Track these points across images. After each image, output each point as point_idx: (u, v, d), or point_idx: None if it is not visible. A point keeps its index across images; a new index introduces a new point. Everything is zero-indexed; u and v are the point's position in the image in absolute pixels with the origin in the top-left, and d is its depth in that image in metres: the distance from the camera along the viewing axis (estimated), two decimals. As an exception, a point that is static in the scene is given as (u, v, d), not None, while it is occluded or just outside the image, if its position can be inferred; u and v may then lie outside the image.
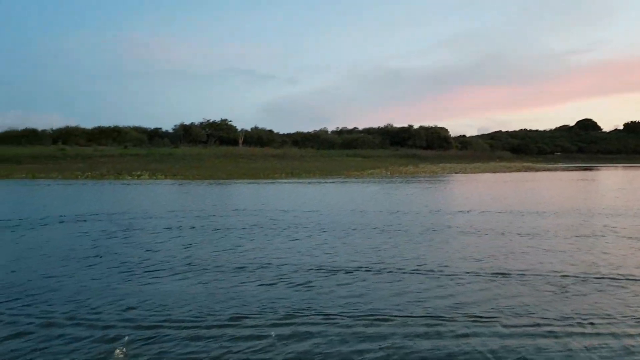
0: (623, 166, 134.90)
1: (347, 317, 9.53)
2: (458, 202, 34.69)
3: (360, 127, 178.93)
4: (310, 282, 12.23)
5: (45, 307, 10.22)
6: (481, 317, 9.60)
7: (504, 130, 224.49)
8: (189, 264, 14.39)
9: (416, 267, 13.70)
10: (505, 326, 9.11)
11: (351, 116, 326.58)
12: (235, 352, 7.93)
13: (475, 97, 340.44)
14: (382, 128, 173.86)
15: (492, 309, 10.08)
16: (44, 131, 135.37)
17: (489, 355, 7.82)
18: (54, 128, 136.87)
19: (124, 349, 7.93)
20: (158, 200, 38.18)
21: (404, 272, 13.17)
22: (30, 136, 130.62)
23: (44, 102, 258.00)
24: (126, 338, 8.39)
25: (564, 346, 8.18)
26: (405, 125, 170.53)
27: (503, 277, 12.71)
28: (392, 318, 9.51)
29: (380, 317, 9.59)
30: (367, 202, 34.92)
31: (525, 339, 8.46)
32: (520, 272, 13.06)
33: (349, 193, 44.93)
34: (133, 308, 10.16)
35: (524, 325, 9.18)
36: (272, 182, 63.73)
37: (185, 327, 9.00)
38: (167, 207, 30.81)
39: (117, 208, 30.34)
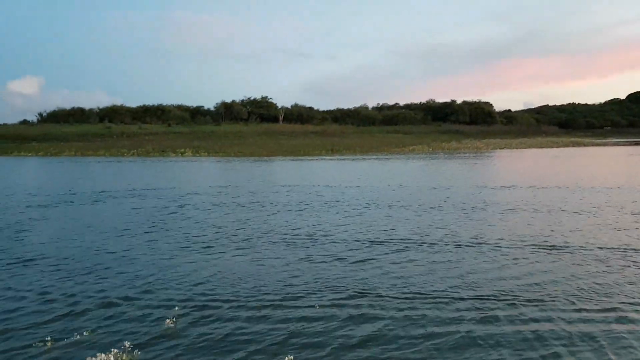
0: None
1: (405, 297, 9.24)
2: (507, 177, 33.68)
3: (402, 103, 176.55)
4: (366, 260, 11.98)
5: (102, 284, 10.32)
6: (553, 297, 9.17)
7: (550, 104, 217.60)
8: (244, 240, 14.36)
9: (475, 242, 13.27)
10: (577, 310, 8.66)
11: (392, 92, 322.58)
12: (291, 332, 7.76)
13: (520, 70, 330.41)
14: (423, 104, 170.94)
15: (558, 289, 9.62)
16: (90, 110, 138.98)
17: (564, 338, 7.42)
18: (100, 107, 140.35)
19: (175, 323, 7.89)
20: (205, 177, 38.59)
21: (460, 246, 12.77)
22: (77, 115, 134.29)
23: (91, 81, 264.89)
24: (176, 309, 8.34)
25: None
26: (448, 100, 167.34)
27: (559, 252, 12.17)
28: (458, 300, 9.18)
29: (444, 298, 9.27)
30: (412, 178, 34.34)
31: (598, 323, 8.01)
32: (580, 247, 12.47)
33: (393, 170, 44.34)
34: (190, 283, 10.16)
35: (598, 309, 8.71)
36: (313, 159, 63.60)
37: (240, 306, 8.90)
38: (214, 184, 31.08)
39: (166, 184, 30.79)
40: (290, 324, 8.07)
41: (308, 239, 14.43)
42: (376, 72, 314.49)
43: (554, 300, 9.02)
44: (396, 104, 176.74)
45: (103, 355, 6.46)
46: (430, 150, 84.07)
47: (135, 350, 6.76)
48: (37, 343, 7.33)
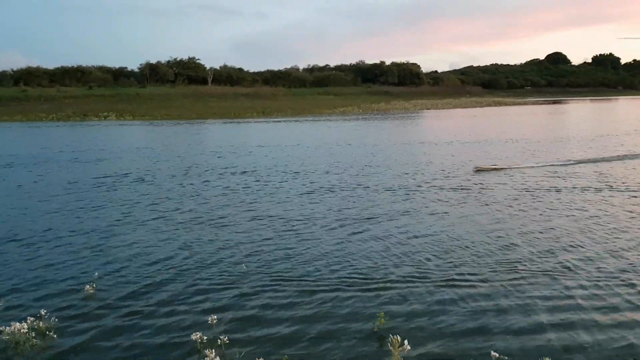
0: (591, 99, 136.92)
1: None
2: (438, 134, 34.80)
3: (332, 65, 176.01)
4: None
5: (18, 253, 9.99)
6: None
7: (475, 65, 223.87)
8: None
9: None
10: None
11: (322, 53, 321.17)
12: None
13: (447, 31, 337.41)
14: (353, 65, 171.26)
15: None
16: (4, 72, 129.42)
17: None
18: (15, 69, 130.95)
19: (94, 289, 7.84)
20: (130, 141, 37.36)
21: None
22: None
23: (3, 40, 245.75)
24: (95, 275, 8.26)
25: None
26: (377, 61, 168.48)
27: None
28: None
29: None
30: (356, 138, 34.78)
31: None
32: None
33: (322, 131, 44.66)
34: (107, 252, 10.04)
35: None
36: (243, 122, 62.86)
37: (157, 273, 8.92)
38: (140, 148, 30.17)
39: (86, 149, 29.58)
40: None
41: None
42: (306, 31, 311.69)
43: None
44: (327, 65, 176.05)
45: (18, 324, 6.32)
46: (360, 111, 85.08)
47: (53, 319, 6.66)
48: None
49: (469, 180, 17.39)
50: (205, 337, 6.16)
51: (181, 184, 17.76)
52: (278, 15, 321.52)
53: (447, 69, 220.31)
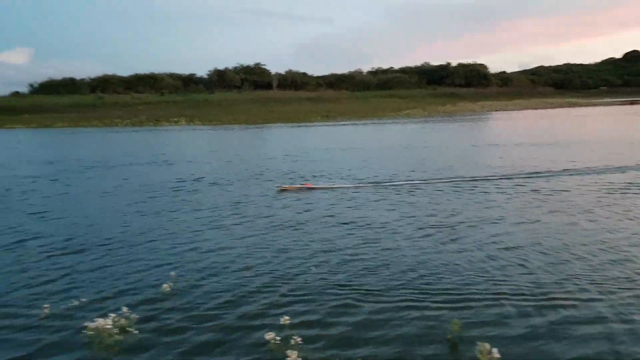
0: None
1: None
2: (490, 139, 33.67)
3: (396, 67, 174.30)
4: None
5: (101, 252, 10.38)
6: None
7: (546, 65, 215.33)
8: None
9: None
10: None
11: (387, 56, 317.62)
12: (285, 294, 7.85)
13: (516, 31, 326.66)
14: (418, 67, 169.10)
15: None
16: (82, 80, 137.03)
17: None
18: (92, 77, 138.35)
19: (172, 288, 7.97)
20: (201, 146, 38.42)
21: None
22: (68, 85, 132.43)
23: (81, 50, 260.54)
24: (172, 274, 8.41)
25: None
26: (443, 63, 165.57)
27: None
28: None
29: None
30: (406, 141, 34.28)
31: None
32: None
33: (385, 134, 44.27)
34: (185, 250, 10.27)
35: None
36: (308, 126, 63.33)
37: (234, 272, 8.99)
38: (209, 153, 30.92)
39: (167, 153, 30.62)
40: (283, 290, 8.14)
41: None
42: (371, 34, 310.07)
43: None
44: (391, 67, 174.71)
45: (101, 320, 6.51)
46: (425, 114, 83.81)
47: (133, 315, 6.82)
48: (35, 310, 7.38)
49: (559, 183, 16.64)
50: (278, 338, 6.11)
51: (254, 188, 17.90)
52: (343, 20, 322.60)
53: (516, 69, 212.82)
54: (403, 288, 7.95)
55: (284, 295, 7.83)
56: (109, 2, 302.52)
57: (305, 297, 7.72)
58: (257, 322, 6.91)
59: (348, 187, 17.21)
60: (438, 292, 7.75)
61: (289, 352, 5.69)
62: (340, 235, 11.10)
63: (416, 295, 7.64)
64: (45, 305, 7.36)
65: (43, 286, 8.44)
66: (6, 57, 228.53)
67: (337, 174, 20.38)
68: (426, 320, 6.82)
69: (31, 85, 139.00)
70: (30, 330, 6.87)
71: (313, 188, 17.09)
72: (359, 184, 17.86)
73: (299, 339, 6.02)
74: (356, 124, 63.69)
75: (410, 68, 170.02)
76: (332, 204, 14.50)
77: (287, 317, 6.68)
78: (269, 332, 6.17)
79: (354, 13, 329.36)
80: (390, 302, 7.43)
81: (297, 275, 8.68)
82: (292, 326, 6.60)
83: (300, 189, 17.02)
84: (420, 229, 11.48)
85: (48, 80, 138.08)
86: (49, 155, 33.37)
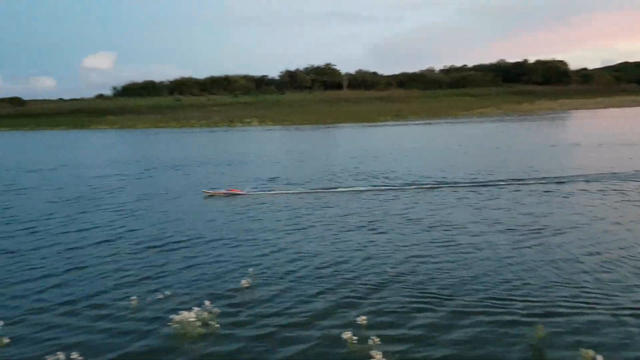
0: None
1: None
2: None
3: (470, 65, 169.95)
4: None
5: (183, 248, 10.87)
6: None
7: (631, 61, 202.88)
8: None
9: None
10: None
11: (460, 53, 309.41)
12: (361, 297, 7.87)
13: (598, 26, 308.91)
14: (493, 64, 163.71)
15: None
16: (161, 83, 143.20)
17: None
18: (170, 80, 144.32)
19: (250, 284, 8.19)
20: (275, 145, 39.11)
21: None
22: (149, 88, 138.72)
23: (160, 54, 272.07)
24: (250, 270, 8.63)
25: None
26: (520, 60, 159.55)
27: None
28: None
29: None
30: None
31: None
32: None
33: (455, 134, 43.27)
34: (258, 246, 10.55)
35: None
36: (378, 125, 63.02)
37: (310, 274, 9.13)
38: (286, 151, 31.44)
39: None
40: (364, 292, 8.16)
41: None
42: (443, 32, 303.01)
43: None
44: (464, 65, 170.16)
45: (186, 312, 6.80)
46: (500, 112, 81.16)
47: (215, 309, 7.07)
48: (122, 303, 7.83)
49: None
50: (355, 337, 6.14)
51: (329, 191, 18.02)
52: (414, 18, 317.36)
53: (598, 65, 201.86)
54: (483, 291, 7.77)
55: (360, 295, 7.86)
56: (186, 7, 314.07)
57: (383, 298, 7.71)
58: (334, 321, 6.99)
59: (408, 189, 17.05)
60: (521, 297, 7.52)
61: (373, 352, 5.70)
62: (419, 237, 11.01)
63: (497, 299, 7.46)
64: (134, 297, 7.78)
65: (132, 279, 8.93)
66: (91, 62, 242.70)
67: (416, 173, 20.18)
68: (508, 326, 6.64)
69: (114, 88, 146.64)
70: (120, 319, 7.28)
71: (237, 194, 17.13)
72: (436, 184, 17.61)
73: (377, 339, 6.03)
74: (427, 123, 62.71)
75: (485, 65, 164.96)
76: (413, 204, 14.46)
77: (364, 317, 6.70)
78: (346, 331, 6.22)
79: (425, 11, 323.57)
80: (470, 305, 7.30)
81: (373, 275, 8.70)
82: (369, 326, 6.62)
83: (226, 195, 17.14)
84: (501, 231, 11.19)
85: (130, 83, 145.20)
86: (133, 154, 35.19)
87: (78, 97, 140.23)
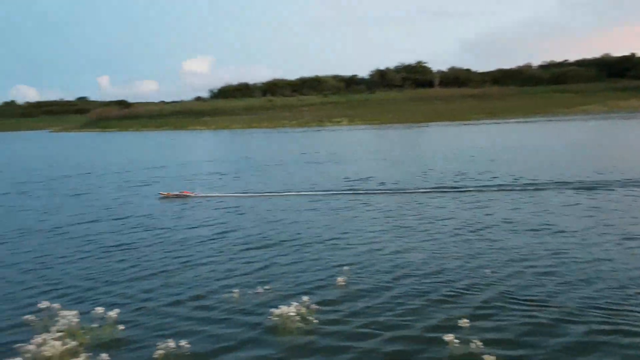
0: None
1: None
2: None
3: (571, 60, 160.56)
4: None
5: (275, 245, 11.18)
6: None
7: None
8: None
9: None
10: None
11: (560, 48, 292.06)
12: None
13: None
14: (597, 59, 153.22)
15: None
16: (254, 85, 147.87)
17: None
18: (263, 81, 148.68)
19: (346, 282, 8.22)
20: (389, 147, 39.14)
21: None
22: (243, 90, 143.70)
23: (254, 57, 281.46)
24: (345, 268, 8.65)
25: None
26: (627, 53, 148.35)
27: None
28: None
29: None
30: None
31: None
32: None
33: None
34: (356, 246, 10.59)
35: None
36: (470, 124, 61.13)
37: (410, 274, 9.04)
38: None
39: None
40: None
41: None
42: (541, 26, 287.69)
43: None
44: (565, 60, 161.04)
45: (285, 307, 6.97)
46: (605, 109, 75.99)
47: (313, 305, 7.18)
48: (225, 295, 8.14)
49: None
50: (457, 340, 5.99)
51: (428, 192, 17.65)
52: (510, 12, 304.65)
53: None
54: (592, 298, 7.34)
55: (460, 296, 7.71)
56: (278, 11, 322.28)
57: (484, 301, 7.51)
58: (433, 322, 6.91)
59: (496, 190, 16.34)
60: (637, 306, 7.00)
61: (485, 357, 5.58)
62: (522, 240, 10.64)
63: (608, 308, 7.01)
64: (235, 291, 8.09)
65: (234, 274, 9.30)
66: (190, 66, 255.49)
67: (516, 173, 19.41)
68: (619, 335, 6.24)
69: (211, 91, 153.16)
70: (223, 311, 7.61)
71: (189, 196, 18.02)
72: (540, 185, 16.83)
73: (479, 343, 5.86)
74: (525, 121, 59.97)
75: (588, 60, 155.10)
76: (516, 206, 14.00)
77: (466, 320, 6.53)
78: (448, 334, 6.09)
79: (523, 4, 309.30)
80: (576, 311, 6.94)
81: (473, 277, 8.50)
82: (472, 329, 6.44)
83: (178, 196, 17.93)
84: (612, 237, 10.49)
85: (225, 85, 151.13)
86: (229, 154, 36.63)
87: (178, 99, 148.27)
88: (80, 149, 54.33)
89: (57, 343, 5.11)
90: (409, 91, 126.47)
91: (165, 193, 18.55)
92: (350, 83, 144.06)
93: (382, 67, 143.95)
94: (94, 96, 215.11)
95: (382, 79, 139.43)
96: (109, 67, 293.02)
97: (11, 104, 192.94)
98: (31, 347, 5.09)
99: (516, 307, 7.23)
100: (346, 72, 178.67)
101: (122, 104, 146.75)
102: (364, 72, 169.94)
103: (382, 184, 19.10)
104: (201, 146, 48.21)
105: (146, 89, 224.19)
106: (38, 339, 5.33)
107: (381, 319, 7.08)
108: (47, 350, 5.02)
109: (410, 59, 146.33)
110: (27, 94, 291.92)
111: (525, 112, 77.42)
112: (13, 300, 8.42)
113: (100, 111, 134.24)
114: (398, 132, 53.55)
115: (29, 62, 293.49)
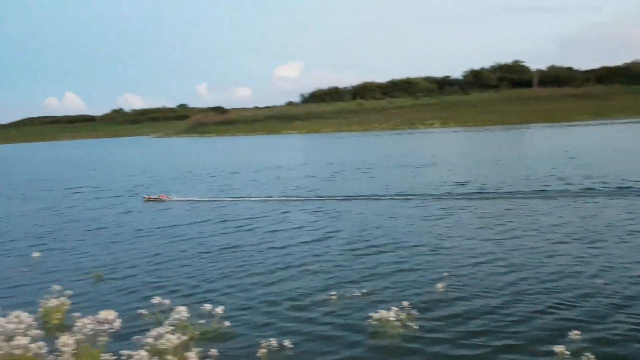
0: None
1: None
2: None
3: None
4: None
5: (375, 250, 11.15)
6: None
7: None
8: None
9: None
10: None
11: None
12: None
13: None
14: None
15: None
16: (344, 88, 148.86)
17: None
18: (353, 85, 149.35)
19: (445, 288, 8.03)
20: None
21: None
22: (333, 94, 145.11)
23: (344, 61, 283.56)
24: (444, 274, 8.45)
25: None
26: None
27: None
28: None
29: None
30: None
31: None
32: None
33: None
34: (461, 252, 10.35)
35: None
36: (572, 125, 57.75)
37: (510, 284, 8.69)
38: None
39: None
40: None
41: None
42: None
43: None
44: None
45: (384, 312, 6.93)
46: None
47: (413, 310, 7.09)
48: (323, 297, 8.24)
49: None
50: (568, 352, 5.69)
51: (521, 199, 16.96)
52: (613, 5, 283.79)
53: None
54: None
55: (569, 307, 7.32)
56: (366, 14, 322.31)
57: (596, 315, 7.06)
58: (541, 332, 6.59)
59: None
60: None
61: None
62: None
63: None
64: (333, 293, 8.17)
65: (332, 275, 9.42)
66: (282, 71, 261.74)
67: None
68: None
69: (302, 95, 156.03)
70: (321, 313, 7.70)
71: (164, 199, 19.11)
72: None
73: (592, 356, 5.51)
74: (635, 121, 55.73)
75: None
76: (630, 214, 13.04)
77: (577, 332, 6.17)
78: (558, 345, 5.79)
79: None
80: None
81: (583, 289, 8.03)
82: (583, 342, 6.08)
83: (157, 200, 19.08)
84: None
85: (316, 90, 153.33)
86: (320, 157, 37.14)
87: (270, 104, 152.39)
88: (183, 155, 57.38)
89: (172, 337, 5.41)
90: (506, 91, 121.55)
91: (147, 196, 20.25)
92: (443, 84, 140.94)
93: (476, 67, 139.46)
94: (193, 103, 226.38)
95: (476, 79, 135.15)
96: (206, 75, 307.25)
97: (119, 112, 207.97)
98: (149, 339, 5.42)
99: (631, 320, 6.74)
100: (438, 73, 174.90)
101: (218, 110, 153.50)
102: (457, 72, 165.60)
103: (482, 188, 18.48)
104: (298, 149, 49.27)
105: (240, 95, 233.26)
106: (153, 332, 5.67)
107: (484, 327, 6.86)
108: (164, 343, 5.33)
109: (506, 58, 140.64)
110: (133, 101, 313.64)
111: (635, 112, 71.97)
112: (129, 294, 9.04)
113: (199, 117, 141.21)
114: (495, 135, 51.67)
115: (135, 72, 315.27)
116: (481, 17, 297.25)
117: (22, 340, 4.57)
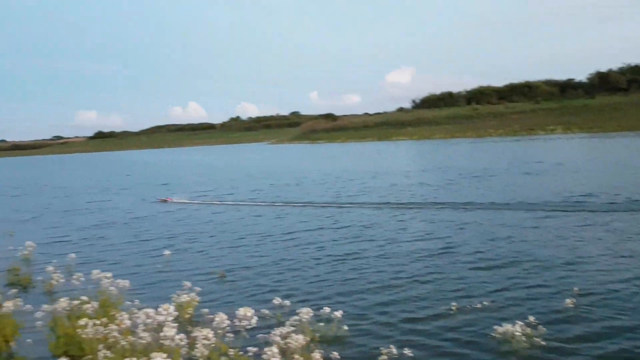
0: None
1: None
2: None
3: None
4: None
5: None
6: None
7: None
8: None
9: None
10: None
11: None
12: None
13: None
14: None
15: None
16: (459, 93, 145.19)
17: None
18: (468, 89, 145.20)
19: (575, 304, 7.53)
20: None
21: None
22: (446, 99, 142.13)
23: (457, 65, 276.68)
24: (575, 289, 7.92)
25: None
26: None
27: None
28: None
29: None
30: None
31: None
32: None
33: None
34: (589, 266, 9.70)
35: None
36: None
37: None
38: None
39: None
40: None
41: None
42: None
43: None
44: None
45: (509, 326, 6.65)
46: None
47: (540, 326, 6.74)
48: (443, 308, 8.09)
49: None
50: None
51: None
52: None
53: None
54: None
55: None
56: (479, 15, 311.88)
57: None
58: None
59: None
60: None
61: None
62: None
63: None
64: (454, 304, 8.00)
65: (454, 286, 9.24)
66: (393, 77, 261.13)
67: None
68: None
69: (413, 101, 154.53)
70: (441, 324, 7.58)
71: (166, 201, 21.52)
72: None
73: None
74: None
75: None
76: None
77: None
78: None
79: None
80: None
81: None
82: None
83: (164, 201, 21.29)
84: None
85: (428, 95, 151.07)
86: (434, 163, 36.47)
87: (381, 111, 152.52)
88: (299, 161, 59.06)
89: (299, 337, 5.60)
90: (637, 95, 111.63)
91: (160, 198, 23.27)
92: (566, 88, 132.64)
93: (602, 69, 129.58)
94: (304, 110, 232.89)
95: (603, 82, 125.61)
96: (318, 83, 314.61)
97: (237, 120, 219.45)
98: (277, 338, 5.65)
99: None
100: (560, 76, 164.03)
101: (329, 117, 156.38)
102: (581, 75, 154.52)
103: (614, 200, 17.03)
104: (411, 155, 48.80)
105: (350, 102, 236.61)
106: (277, 331, 5.90)
107: (616, 347, 6.42)
108: (291, 343, 5.52)
109: (637, 59, 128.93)
110: (248, 110, 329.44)
111: None
112: (250, 294, 9.48)
113: (310, 124, 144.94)
114: (626, 141, 47.57)
115: (250, 82, 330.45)
116: (605, 15, 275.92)
117: (169, 332, 4.96)
